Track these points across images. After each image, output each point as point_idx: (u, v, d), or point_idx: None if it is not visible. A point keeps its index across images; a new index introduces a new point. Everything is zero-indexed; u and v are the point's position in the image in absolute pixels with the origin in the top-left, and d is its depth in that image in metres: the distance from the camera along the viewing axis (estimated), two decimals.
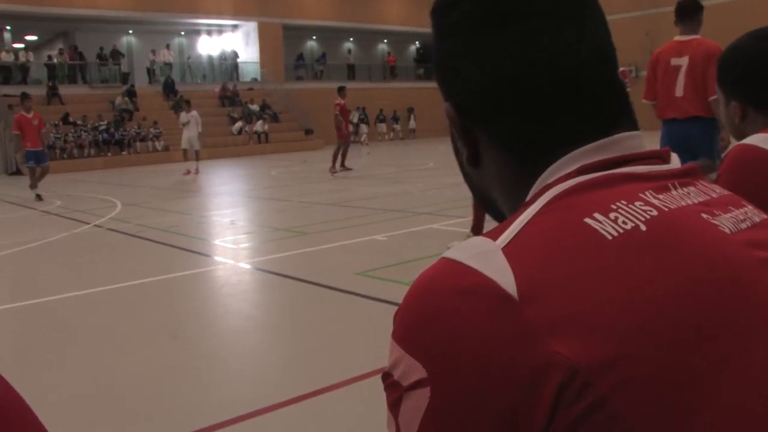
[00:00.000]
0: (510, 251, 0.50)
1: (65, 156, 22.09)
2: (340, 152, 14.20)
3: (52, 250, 7.10)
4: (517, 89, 0.58)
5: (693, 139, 4.81)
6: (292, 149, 25.50)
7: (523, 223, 0.53)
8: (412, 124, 32.48)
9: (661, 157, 0.59)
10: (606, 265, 0.49)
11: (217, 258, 6.32)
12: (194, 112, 16.86)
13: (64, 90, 24.49)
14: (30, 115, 11.79)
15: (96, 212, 9.65)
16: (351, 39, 35.16)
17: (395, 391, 0.51)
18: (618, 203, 0.52)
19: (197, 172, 16.15)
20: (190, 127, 16.66)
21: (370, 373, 3.09)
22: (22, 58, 25.15)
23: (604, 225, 0.51)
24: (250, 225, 8.49)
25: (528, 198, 0.58)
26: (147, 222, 8.42)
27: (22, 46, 27.08)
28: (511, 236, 0.52)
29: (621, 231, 0.51)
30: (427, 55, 37.95)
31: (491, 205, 0.68)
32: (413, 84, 34.08)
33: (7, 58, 24.80)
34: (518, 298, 0.47)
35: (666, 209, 0.53)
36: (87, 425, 2.83)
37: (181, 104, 17.10)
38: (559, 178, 0.56)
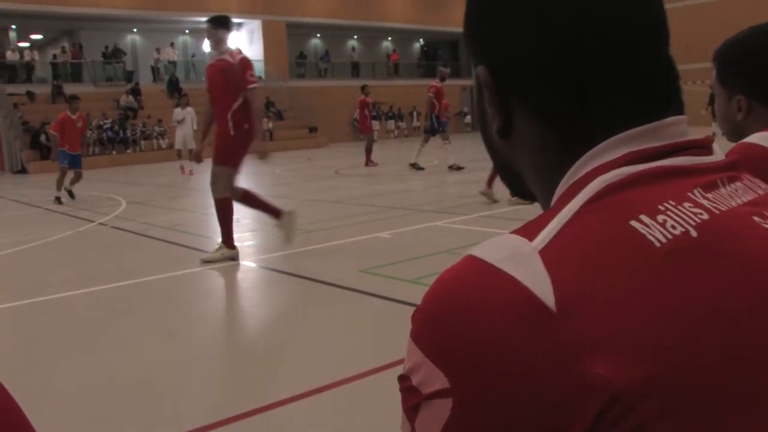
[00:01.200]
0: (548, 256, 0.46)
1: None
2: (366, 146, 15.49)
3: (56, 248, 7.12)
4: (568, 56, 0.52)
5: None
6: (296, 147, 25.51)
7: (563, 223, 0.48)
8: (416, 122, 32.47)
9: (705, 147, 0.54)
10: (654, 277, 0.44)
11: None
12: (190, 109, 16.02)
13: (69, 89, 24.50)
14: (75, 117, 11.17)
15: (101, 210, 9.68)
16: (355, 37, 35.15)
17: (413, 397, 0.48)
18: (666, 204, 0.48)
19: (191, 173, 15.18)
20: (185, 124, 15.76)
21: (375, 370, 3.10)
22: (27, 57, 25.21)
23: (651, 229, 0.46)
24: (254, 223, 8.49)
25: (564, 184, 0.53)
26: (152, 220, 8.44)
27: (27, 44, 27.13)
28: (550, 237, 0.47)
29: (670, 237, 0.46)
30: (431, 53, 37.93)
31: (514, 180, 0.63)
32: (417, 81, 34.05)
33: (13, 56, 24.86)
34: (556, 310, 0.43)
35: (717, 212, 0.49)
36: (91, 421, 2.84)
37: (182, 101, 16.53)
38: (602, 165, 0.51)
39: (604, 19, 0.52)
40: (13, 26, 27.13)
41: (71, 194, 11.25)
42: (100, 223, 8.50)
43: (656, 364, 0.42)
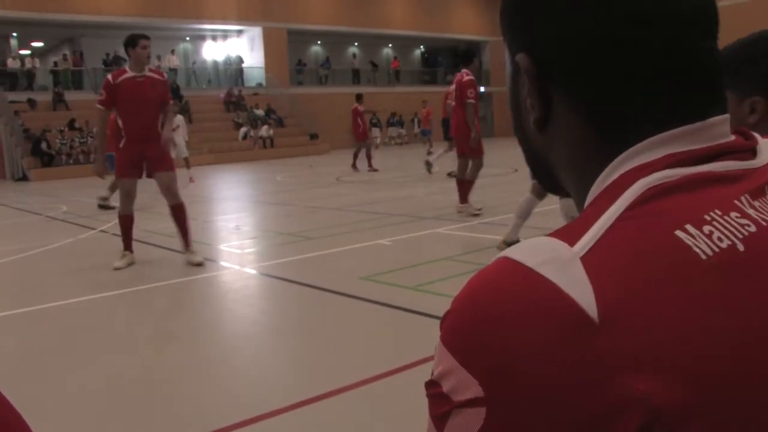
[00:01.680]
0: (590, 262, 0.44)
1: (71, 162, 22.17)
2: (361, 152, 15.94)
3: (57, 255, 7.12)
4: (616, 48, 0.50)
5: None
6: (297, 154, 25.54)
7: (605, 228, 0.46)
8: (416, 128, 32.53)
9: (750, 150, 0.52)
10: (700, 291, 0.43)
11: (223, 263, 6.33)
12: (180, 116, 15.59)
13: (70, 96, 24.61)
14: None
15: (101, 218, 9.68)
16: (356, 44, 35.24)
17: (443, 405, 0.46)
18: (712, 213, 0.46)
19: (192, 181, 14.92)
20: (179, 132, 15.08)
21: (376, 377, 3.09)
22: (28, 65, 25.27)
23: (697, 241, 0.44)
24: (255, 230, 8.50)
25: (601, 182, 0.51)
26: (152, 227, 8.43)
27: (28, 52, 27.20)
28: (592, 243, 0.45)
29: (717, 250, 0.44)
30: (431, 60, 38.01)
31: (546, 173, 0.61)
32: (418, 88, 34.11)
33: (14, 64, 24.92)
34: (598, 321, 0.41)
35: (765, 224, 0.47)
36: (93, 427, 2.83)
37: (186, 109, 16.62)
38: (641, 165, 0.49)
39: (655, 12, 0.50)
40: (14, 34, 27.20)
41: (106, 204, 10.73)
42: (101, 231, 8.50)
43: (699, 386, 0.40)
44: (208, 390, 3.20)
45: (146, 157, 6.13)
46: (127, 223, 6.31)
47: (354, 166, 16.00)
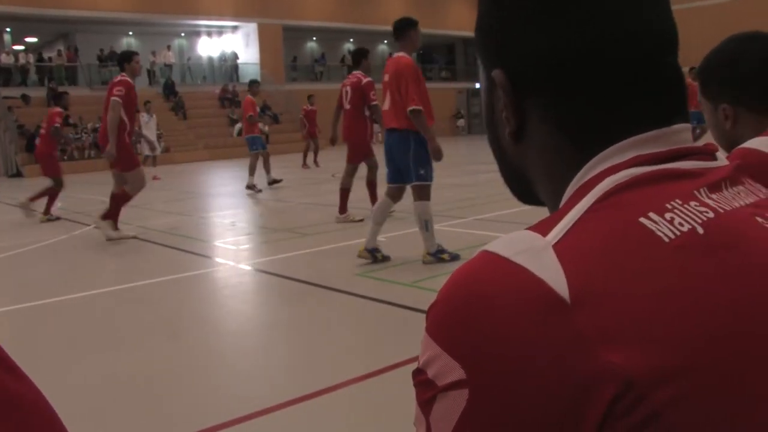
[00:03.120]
0: (561, 249, 0.47)
1: (65, 158, 22.09)
2: (310, 150, 17.34)
3: (52, 252, 7.10)
4: (589, 63, 0.54)
5: (392, 149, 5.34)
6: (292, 150, 25.48)
7: (575, 220, 0.50)
8: None
9: (710, 153, 0.56)
10: (664, 270, 0.46)
11: (218, 259, 6.33)
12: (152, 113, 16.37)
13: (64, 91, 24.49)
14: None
15: (96, 214, 9.64)
16: (351, 40, 35.17)
17: (428, 390, 0.48)
18: (673, 202, 0.50)
19: (157, 178, 14.81)
20: (150, 128, 15.72)
21: (372, 374, 3.10)
22: (22, 60, 25.16)
23: (660, 226, 0.48)
24: (250, 226, 8.49)
25: (574, 185, 0.55)
26: (148, 224, 8.42)
27: (22, 48, 27.08)
28: (563, 233, 0.49)
29: (678, 233, 0.48)
30: (426, 56, 37.96)
31: (521, 184, 0.64)
32: None
33: (7, 60, 24.80)
34: (570, 301, 0.45)
35: (721, 210, 0.50)
36: (89, 423, 2.83)
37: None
38: (611, 167, 0.53)
39: (626, 28, 0.54)
40: (8, 29, 27.08)
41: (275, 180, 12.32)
42: (96, 227, 8.47)
43: (668, 353, 0.43)
44: (202, 387, 3.20)
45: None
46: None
47: (310, 162, 17.17)
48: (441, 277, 4.78)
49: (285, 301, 4.74)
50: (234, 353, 3.70)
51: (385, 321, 4.01)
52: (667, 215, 0.49)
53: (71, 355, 3.73)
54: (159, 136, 19.58)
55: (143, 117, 15.90)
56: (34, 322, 4.48)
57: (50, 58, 26.08)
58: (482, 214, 7.61)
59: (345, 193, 7.75)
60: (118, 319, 4.44)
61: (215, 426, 2.69)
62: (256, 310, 4.66)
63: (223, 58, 30.80)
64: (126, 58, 7.25)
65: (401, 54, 5.29)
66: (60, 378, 3.35)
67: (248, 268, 5.87)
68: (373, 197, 7.66)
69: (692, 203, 0.50)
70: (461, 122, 35.29)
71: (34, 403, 0.49)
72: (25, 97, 23.28)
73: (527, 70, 0.56)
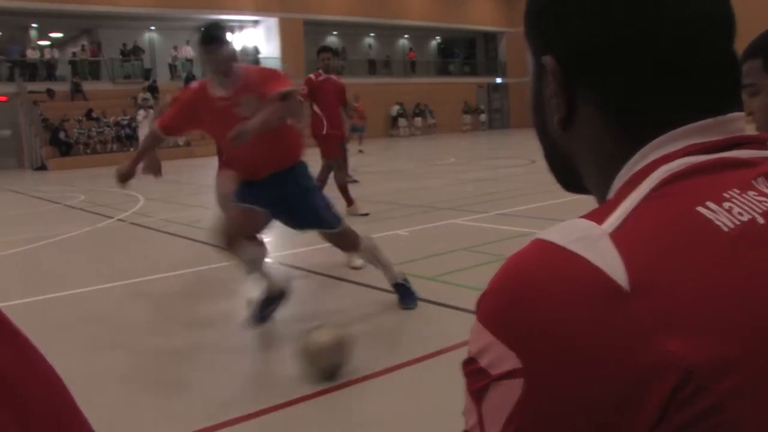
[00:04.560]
0: (618, 238, 0.47)
1: (89, 151, 22.35)
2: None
3: (75, 244, 7.17)
4: (642, 49, 0.53)
5: None
6: (313, 143, 25.56)
7: (632, 208, 0.49)
8: (430, 119, 32.52)
9: (763, 142, 0.55)
10: (723, 259, 0.45)
11: None
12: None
13: (88, 86, 24.76)
14: None
15: (119, 207, 9.73)
16: (372, 34, 35.14)
17: (481, 379, 0.47)
18: (731, 192, 0.49)
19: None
20: (144, 127, 15.07)
21: (397, 366, 3.08)
22: (47, 55, 25.44)
23: (719, 215, 0.47)
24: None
25: (626, 173, 0.54)
26: (170, 217, 8.47)
27: (47, 43, 27.39)
28: (620, 221, 0.48)
29: (738, 222, 0.47)
30: (447, 51, 37.84)
31: (566, 171, 0.63)
32: (434, 79, 33.98)
33: (33, 55, 25.09)
34: (629, 289, 0.44)
35: None
36: (103, 415, 2.84)
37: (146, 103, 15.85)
38: (664, 155, 0.52)
39: (680, 13, 0.53)
40: (34, 24, 27.39)
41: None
42: (119, 220, 8.54)
43: (728, 343, 0.43)
44: (217, 380, 3.20)
45: None
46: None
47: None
48: (463, 271, 4.75)
49: (307, 294, 4.73)
50: (257, 346, 3.70)
51: (408, 315, 3.98)
52: (725, 204, 0.48)
53: (86, 347, 3.75)
54: None
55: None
56: (51, 314, 4.52)
57: (74, 53, 26.35)
58: (505, 208, 7.56)
59: (343, 188, 7.87)
60: (139, 311, 4.46)
61: (225, 422, 2.69)
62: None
63: (244, 53, 30.90)
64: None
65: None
66: (72, 370, 3.37)
67: (269, 260, 5.87)
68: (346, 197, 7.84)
69: (750, 193, 0.49)
70: (483, 117, 35.16)
71: (22, 376, 0.50)
72: (49, 92, 23.56)
73: (578, 56, 0.55)
